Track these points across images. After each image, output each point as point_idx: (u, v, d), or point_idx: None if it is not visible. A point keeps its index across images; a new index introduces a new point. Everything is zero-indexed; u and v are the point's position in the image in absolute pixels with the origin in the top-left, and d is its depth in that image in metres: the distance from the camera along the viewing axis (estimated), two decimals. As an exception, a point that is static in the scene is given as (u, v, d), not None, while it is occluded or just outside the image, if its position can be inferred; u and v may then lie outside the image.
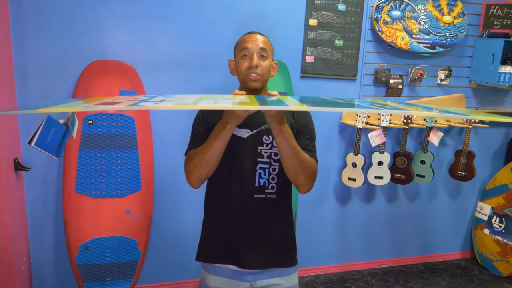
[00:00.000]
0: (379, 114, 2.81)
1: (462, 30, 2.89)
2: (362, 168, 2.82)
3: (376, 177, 2.86)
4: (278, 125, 1.26)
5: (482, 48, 2.99)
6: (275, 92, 1.28)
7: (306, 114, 1.49)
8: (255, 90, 1.43)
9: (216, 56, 2.52)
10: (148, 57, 2.42)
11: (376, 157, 2.85)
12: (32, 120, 2.29)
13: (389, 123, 2.77)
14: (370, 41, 2.82)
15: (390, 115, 2.75)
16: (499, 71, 2.87)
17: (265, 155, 1.43)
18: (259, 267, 1.45)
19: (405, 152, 2.89)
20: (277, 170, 1.44)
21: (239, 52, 1.44)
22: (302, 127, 1.45)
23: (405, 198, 3.22)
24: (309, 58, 2.70)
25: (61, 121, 1.22)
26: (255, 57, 1.40)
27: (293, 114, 1.46)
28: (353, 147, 2.82)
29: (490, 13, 2.94)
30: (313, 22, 2.66)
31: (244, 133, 1.42)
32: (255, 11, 2.54)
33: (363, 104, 1.40)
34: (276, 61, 1.52)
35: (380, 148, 2.83)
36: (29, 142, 1.15)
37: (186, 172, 1.39)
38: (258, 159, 1.42)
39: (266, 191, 1.44)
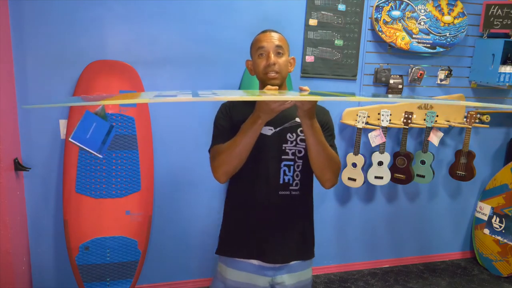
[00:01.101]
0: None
1: (462, 30, 2.89)
2: (362, 168, 2.82)
3: (376, 177, 2.86)
4: (309, 119, 1.28)
5: (482, 48, 2.99)
6: (306, 88, 1.30)
7: (325, 113, 1.53)
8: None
9: (216, 56, 2.52)
10: (148, 57, 2.42)
11: (376, 157, 2.85)
12: (32, 120, 2.29)
13: (389, 123, 2.77)
14: (370, 41, 2.82)
15: (390, 114, 2.75)
16: (499, 71, 2.87)
17: (290, 152, 1.45)
18: (282, 261, 1.48)
19: (405, 152, 2.89)
20: (300, 167, 1.46)
21: (255, 52, 1.47)
22: (323, 125, 1.46)
23: (405, 198, 3.22)
24: (309, 58, 2.70)
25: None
26: (272, 55, 1.42)
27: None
28: (353, 147, 2.82)
29: (490, 13, 2.94)
30: (313, 22, 2.66)
31: (268, 131, 1.44)
32: (255, 11, 2.54)
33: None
34: (293, 57, 1.54)
35: (380, 148, 2.83)
36: (69, 136, 1.10)
37: (213, 167, 1.40)
38: (283, 157, 1.45)
39: (290, 188, 1.46)
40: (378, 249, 3.25)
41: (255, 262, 1.48)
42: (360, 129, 2.75)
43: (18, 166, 2.18)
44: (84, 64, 2.27)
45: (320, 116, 1.46)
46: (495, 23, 2.94)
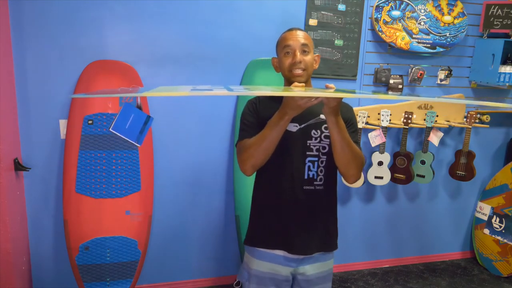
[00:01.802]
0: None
1: (462, 30, 2.89)
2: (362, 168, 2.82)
3: (376, 177, 2.86)
4: (334, 116, 1.32)
5: (482, 48, 2.99)
6: (332, 85, 1.33)
7: (349, 109, 1.58)
8: None
9: (216, 56, 2.52)
10: (148, 57, 2.42)
11: (376, 157, 2.85)
12: (32, 120, 2.29)
13: (389, 123, 2.77)
14: (370, 41, 2.82)
15: (390, 114, 2.75)
16: (499, 71, 2.87)
17: (314, 148, 1.49)
18: (306, 253, 1.54)
19: (405, 152, 2.89)
20: (324, 162, 1.51)
21: (281, 50, 1.51)
22: (347, 121, 1.50)
23: (405, 198, 3.22)
24: (309, 58, 2.70)
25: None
26: (298, 53, 1.47)
27: None
28: (353, 147, 2.81)
29: (490, 13, 2.94)
30: (313, 22, 2.66)
31: (293, 127, 1.48)
32: (255, 11, 2.54)
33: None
34: (317, 54, 1.60)
35: (380, 148, 2.83)
36: (110, 127, 1.20)
37: (241, 160, 1.45)
38: (308, 153, 1.49)
39: (315, 183, 1.51)
40: (378, 249, 3.25)
41: (280, 253, 1.54)
42: (360, 129, 2.75)
43: (18, 166, 2.18)
44: (84, 64, 2.27)
45: (344, 112, 1.50)
46: (495, 23, 2.94)
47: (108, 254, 2.37)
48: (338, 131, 1.35)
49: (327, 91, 1.26)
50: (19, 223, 2.24)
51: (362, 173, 2.80)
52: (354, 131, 1.54)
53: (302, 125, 1.48)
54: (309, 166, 1.50)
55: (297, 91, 1.23)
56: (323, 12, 2.66)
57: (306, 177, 1.50)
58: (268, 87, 1.51)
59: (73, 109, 2.28)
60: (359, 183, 2.82)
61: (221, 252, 2.79)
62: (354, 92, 1.29)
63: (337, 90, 1.30)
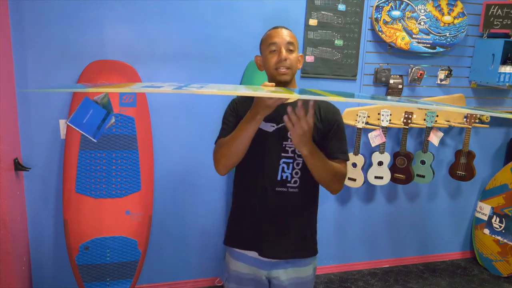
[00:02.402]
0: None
1: (462, 30, 2.89)
2: (362, 168, 2.82)
3: (376, 177, 2.86)
4: (304, 146, 1.28)
5: (482, 48, 2.99)
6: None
7: (335, 112, 1.51)
8: (285, 83, 1.46)
9: (216, 56, 2.52)
10: (148, 57, 2.42)
11: (376, 157, 2.85)
12: (32, 120, 2.29)
13: (389, 123, 2.77)
14: (370, 41, 2.82)
15: (390, 114, 2.75)
16: (499, 71, 2.87)
17: (289, 150, 1.46)
18: (277, 257, 1.51)
19: (405, 152, 2.89)
20: (301, 165, 1.46)
21: (266, 48, 1.47)
22: (332, 125, 1.47)
23: (405, 198, 3.22)
24: (309, 58, 2.70)
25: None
26: (284, 51, 1.43)
27: (320, 115, 1.48)
28: (353, 147, 2.82)
29: (490, 13, 2.94)
30: (313, 22, 2.66)
31: (270, 127, 1.46)
32: (255, 11, 2.54)
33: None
34: (301, 54, 1.54)
35: (380, 148, 2.83)
36: (67, 120, 1.21)
37: (215, 160, 1.44)
38: (283, 154, 1.46)
39: (288, 185, 1.47)
40: (378, 249, 3.25)
41: (253, 254, 1.52)
42: (360, 129, 2.75)
43: (18, 166, 2.18)
44: (84, 64, 2.27)
45: (329, 115, 1.48)
46: (495, 23, 2.94)
47: (108, 254, 2.37)
48: (312, 160, 1.34)
49: (277, 90, 1.20)
50: (19, 223, 2.24)
51: (362, 173, 2.80)
52: (340, 139, 1.50)
53: (279, 125, 1.45)
54: (283, 168, 1.46)
55: (266, 91, 1.18)
56: (323, 12, 2.66)
57: (279, 178, 1.46)
58: (232, 86, 1.43)
59: (73, 109, 2.28)
60: (359, 183, 2.82)
61: (221, 252, 2.79)
62: (353, 95, 1.24)
63: (308, 93, 1.22)
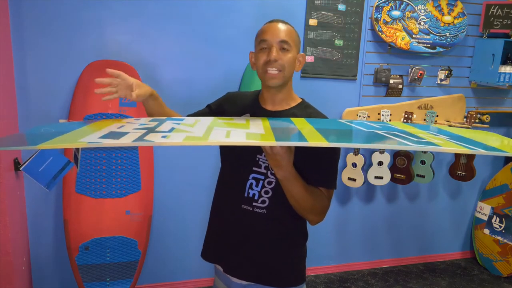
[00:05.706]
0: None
1: (462, 30, 2.89)
2: (362, 168, 2.82)
3: (376, 177, 2.86)
4: (279, 169, 1.10)
5: (482, 48, 2.99)
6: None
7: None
8: (275, 88, 1.28)
9: (216, 56, 2.52)
10: (148, 57, 2.42)
11: (376, 157, 2.85)
12: (32, 120, 2.29)
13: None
14: (370, 41, 2.82)
15: (390, 114, 2.75)
16: (499, 71, 2.87)
17: (263, 165, 1.27)
18: (240, 277, 1.34)
19: (405, 152, 2.89)
20: (273, 184, 1.27)
21: (257, 44, 1.28)
22: (320, 150, 1.22)
23: (405, 198, 3.22)
24: (309, 58, 2.70)
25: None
26: (274, 50, 1.23)
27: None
28: (353, 147, 2.82)
29: (490, 13, 2.94)
30: (313, 22, 2.66)
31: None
32: (255, 11, 2.54)
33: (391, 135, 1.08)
34: (302, 53, 1.32)
35: (380, 148, 2.83)
36: (21, 166, 1.12)
37: None
38: (254, 168, 1.27)
39: (254, 204, 1.28)
40: (378, 249, 3.25)
41: (219, 268, 1.41)
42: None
43: (18, 166, 2.18)
44: (84, 64, 2.27)
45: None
46: (495, 23, 2.94)
47: (108, 254, 2.37)
48: (288, 188, 1.15)
49: (252, 134, 0.99)
50: (19, 223, 2.24)
51: (362, 173, 2.80)
52: (328, 164, 1.26)
53: None
54: (251, 184, 1.27)
55: (250, 128, 1.02)
56: (323, 12, 2.66)
57: (245, 195, 1.28)
58: (213, 125, 1.12)
59: (73, 109, 2.28)
60: (359, 183, 2.82)
61: (221, 252, 2.79)
62: (351, 132, 1.07)
63: (325, 131, 1.04)
